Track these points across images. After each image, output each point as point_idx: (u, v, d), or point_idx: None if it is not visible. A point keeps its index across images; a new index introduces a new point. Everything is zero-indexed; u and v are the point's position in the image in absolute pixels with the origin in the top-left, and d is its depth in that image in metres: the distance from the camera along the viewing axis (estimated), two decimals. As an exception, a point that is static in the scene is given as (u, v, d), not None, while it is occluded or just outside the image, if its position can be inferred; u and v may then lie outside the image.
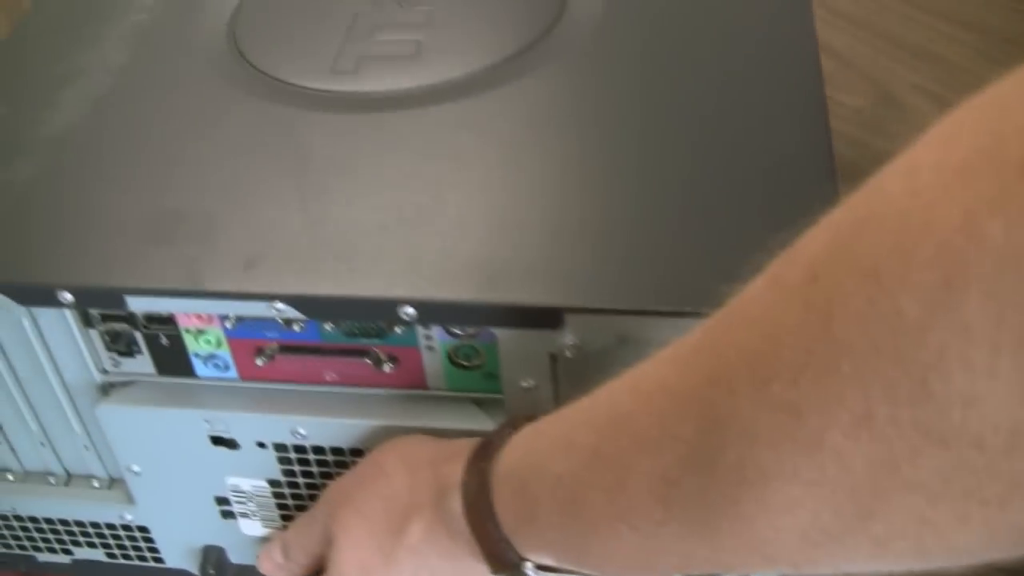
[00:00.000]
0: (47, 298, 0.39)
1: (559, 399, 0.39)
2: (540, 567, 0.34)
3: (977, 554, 0.24)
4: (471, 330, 0.39)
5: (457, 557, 0.35)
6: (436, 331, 0.39)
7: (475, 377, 0.40)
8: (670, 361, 0.28)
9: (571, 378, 0.38)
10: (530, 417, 0.34)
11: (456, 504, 0.34)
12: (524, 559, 0.34)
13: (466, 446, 0.35)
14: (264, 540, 0.46)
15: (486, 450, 0.34)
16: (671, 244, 0.38)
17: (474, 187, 0.41)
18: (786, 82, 0.44)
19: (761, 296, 0.25)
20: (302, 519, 0.42)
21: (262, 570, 0.43)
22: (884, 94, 0.62)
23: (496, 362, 0.40)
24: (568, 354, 0.37)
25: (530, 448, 0.33)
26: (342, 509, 0.39)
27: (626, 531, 0.29)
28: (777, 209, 0.38)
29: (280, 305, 0.37)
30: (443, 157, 0.42)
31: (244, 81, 0.48)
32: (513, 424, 0.35)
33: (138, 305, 0.39)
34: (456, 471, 0.35)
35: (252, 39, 0.50)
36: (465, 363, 0.40)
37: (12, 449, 0.47)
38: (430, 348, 0.40)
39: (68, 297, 0.39)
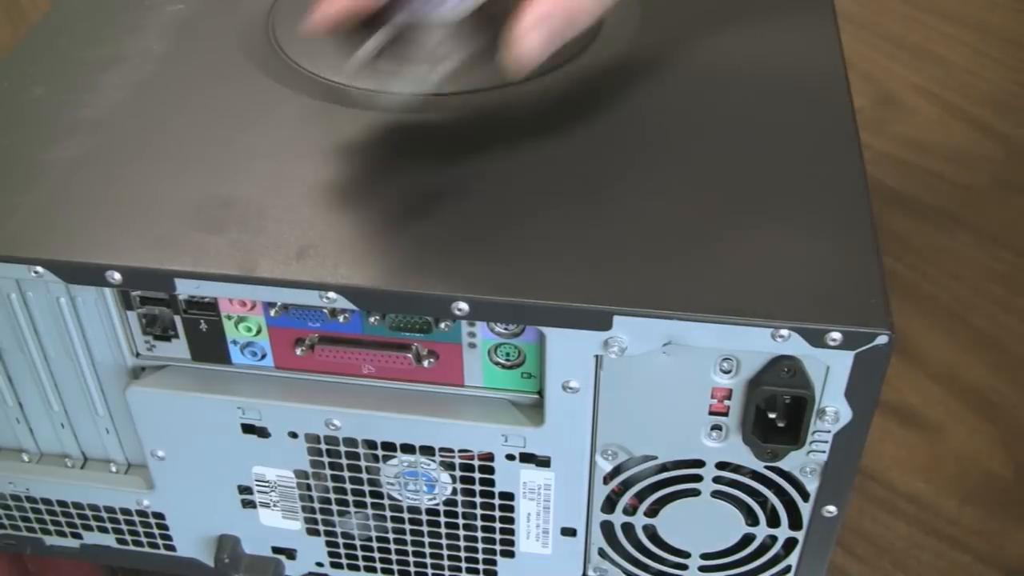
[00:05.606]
0: (94, 277, 0.39)
1: (598, 401, 0.40)
2: None
3: None
4: (516, 329, 0.40)
5: None
6: (480, 328, 0.40)
7: (513, 377, 0.41)
8: None
9: (612, 380, 0.39)
10: None
11: None
12: None
13: None
14: (281, 531, 0.47)
15: None
16: (717, 249, 0.39)
17: (522, 192, 0.42)
18: (816, 102, 0.46)
19: None
20: None
21: None
22: (884, 94, 0.62)
23: (535, 362, 0.40)
24: (613, 356, 0.38)
25: None
26: None
27: None
28: (816, 221, 0.40)
29: (332, 295, 0.38)
30: (489, 162, 0.43)
31: (283, 75, 0.48)
32: None
33: (188, 289, 0.39)
34: None
35: (291, 33, 0.51)
36: (504, 362, 0.41)
37: (31, 430, 0.47)
38: (472, 345, 0.40)
39: (116, 277, 0.39)
